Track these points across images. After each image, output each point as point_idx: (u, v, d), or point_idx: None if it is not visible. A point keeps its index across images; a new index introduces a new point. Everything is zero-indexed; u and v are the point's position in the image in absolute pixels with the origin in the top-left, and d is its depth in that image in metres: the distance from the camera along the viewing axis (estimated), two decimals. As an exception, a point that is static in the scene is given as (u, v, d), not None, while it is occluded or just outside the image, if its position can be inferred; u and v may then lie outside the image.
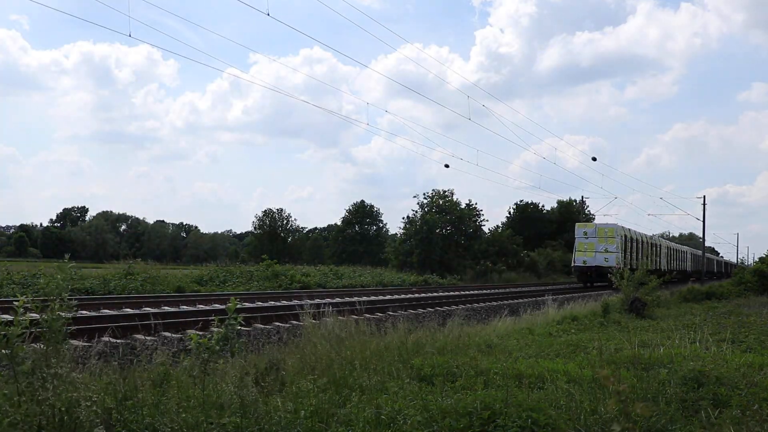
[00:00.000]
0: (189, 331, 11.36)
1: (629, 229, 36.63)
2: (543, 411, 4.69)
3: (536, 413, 4.61)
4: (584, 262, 33.31)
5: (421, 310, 17.43)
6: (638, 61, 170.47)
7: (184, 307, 15.58)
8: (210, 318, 12.60)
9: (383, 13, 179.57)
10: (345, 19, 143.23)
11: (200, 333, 5.94)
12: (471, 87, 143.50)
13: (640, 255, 36.16)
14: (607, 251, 32.61)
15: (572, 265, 33.97)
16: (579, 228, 35.06)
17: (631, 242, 35.76)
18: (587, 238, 33.62)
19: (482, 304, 21.00)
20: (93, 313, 13.02)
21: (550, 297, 20.10)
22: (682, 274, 50.91)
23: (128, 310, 14.31)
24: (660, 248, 40.35)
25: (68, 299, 4.32)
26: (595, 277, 33.76)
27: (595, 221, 40.94)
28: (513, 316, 16.56)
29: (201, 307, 15.60)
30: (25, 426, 3.74)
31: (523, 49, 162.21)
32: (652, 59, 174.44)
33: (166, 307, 15.20)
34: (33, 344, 4.31)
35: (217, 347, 4.87)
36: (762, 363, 7.44)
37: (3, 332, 3.91)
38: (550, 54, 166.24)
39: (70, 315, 4.30)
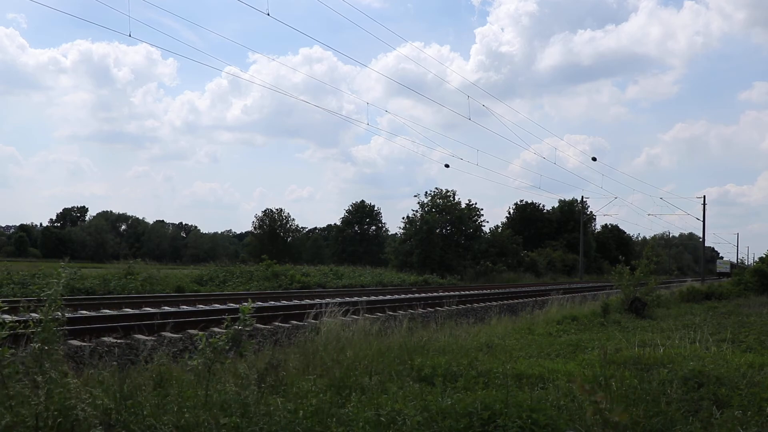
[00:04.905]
0: (192, 330, 11.36)
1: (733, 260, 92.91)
2: (543, 411, 4.69)
3: (536, 413, 4.60)
4: (720, 270, 79.90)
5: (421, 310, 17.43)
6: (639, 60, 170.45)
7: (184, 306, 15.58)
8: (211, 317, 12.61)
9: (383, 12, 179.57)
10: (345, 18, 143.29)
11: (202, 333, 5.92)
12: (471, 86, 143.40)
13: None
14: (725, 267, 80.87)
15: (717, 271, 79.92)
16: (718, 260, 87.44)
17: (732, 264, 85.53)
18: (721, 262, 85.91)
19: (482, 304, 21.00)
20: (93, 313, 13.02)
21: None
22: None
23: (128, 310, 14.31)
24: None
25: (61, 299, 4.31)
26: (722, 276, 73.95)
27: (723, 257, 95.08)
28: (513, 315, 16.57)
29: (201, 307, 15.60)
30: (18, 428, 3.72)
31: (523, 48, 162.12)
32: (653, 58, 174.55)
33: (166, 307, 15.20)
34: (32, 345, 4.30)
35: (226, 347, 4.85)
36: (762, 363, 7.44)
37: None
38: (551, 53, 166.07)
39: (66, 316, 4.28)
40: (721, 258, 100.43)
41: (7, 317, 11.60)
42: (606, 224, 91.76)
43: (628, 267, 17.41)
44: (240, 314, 5.13)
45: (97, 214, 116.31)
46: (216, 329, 11.43)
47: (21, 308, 4.45)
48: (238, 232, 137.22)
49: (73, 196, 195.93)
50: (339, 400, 5.22)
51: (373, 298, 20.94)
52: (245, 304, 5.28)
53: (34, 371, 3.96)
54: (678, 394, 5.57)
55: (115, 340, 9.97)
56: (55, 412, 3.80)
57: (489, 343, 9.38)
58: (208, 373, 4.83)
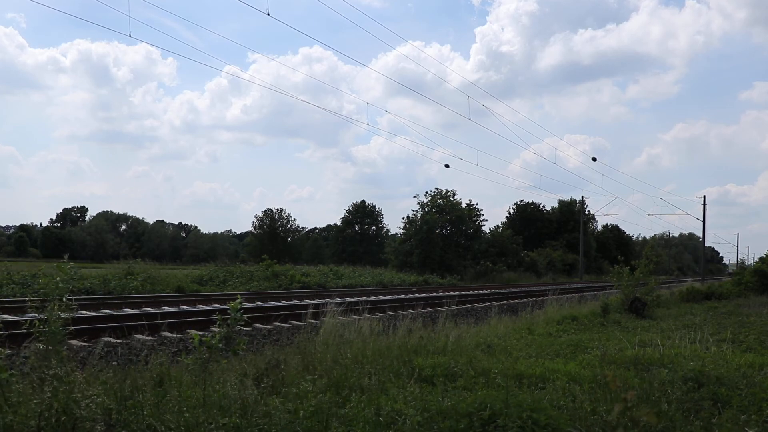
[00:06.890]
0: (191, 331, 11.35)
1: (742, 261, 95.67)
2: (543, 411, 4.68)
3: (537, 413, 4.60)
4: (730, 271, 77.84)
5: (421, 311, 17.41)
6: (640, 59, 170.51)
7: (185, 307, 15.57)
8: (211, 317, 12.60)
9: (383, 12, 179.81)
10: (345, 18, 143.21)
11: (200, 333, 5.93)
12: (471, 86, 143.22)
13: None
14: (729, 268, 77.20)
15: (728, 272, 76.47)
16: (729, 263, 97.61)
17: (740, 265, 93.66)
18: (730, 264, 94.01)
19: (482, 304, 20.99)
20: (93, 313, 13.01)
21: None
22: None
23: (128, 310, 14.30)
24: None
25: (68, 300, 4.31)
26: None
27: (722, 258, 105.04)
28: (513, 315, 16.56)
29: (201, 307, 15.59)
30: (21, 427, 3.72)
31: (523, 47, 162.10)
32: (654, 58, 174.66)
33: (166, 307, 15.20)
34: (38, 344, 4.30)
35: (219, 345, 4.84)
36: (762, 363, 7.43)
37: None
38: (551, 52, 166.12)
39: (70, 315, 4.28)
40: (721, 259, 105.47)
41: (7, 317, 11.60)
42: (606, 224, 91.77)
43: (628, 267, 17.40)
44: (229, 312, 5.14)
45: (97, 214, 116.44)
46: (215, 329, 11.41)
47: (29, 308, 4.44)
48: (238, 232, 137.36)
49: (73, 196, 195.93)
50: (339, 400, 5.21)
51: (373, 298, 20.93)
52: (233, 302, 5.29)
53: (40, 370, 3.96)
54: (678, 394, 5.57)
55: (115, 340, 9.96)
56: (58, 410, 3.79)
57: (489, 343, 9.37)
58: (204, 373, 4.83)
